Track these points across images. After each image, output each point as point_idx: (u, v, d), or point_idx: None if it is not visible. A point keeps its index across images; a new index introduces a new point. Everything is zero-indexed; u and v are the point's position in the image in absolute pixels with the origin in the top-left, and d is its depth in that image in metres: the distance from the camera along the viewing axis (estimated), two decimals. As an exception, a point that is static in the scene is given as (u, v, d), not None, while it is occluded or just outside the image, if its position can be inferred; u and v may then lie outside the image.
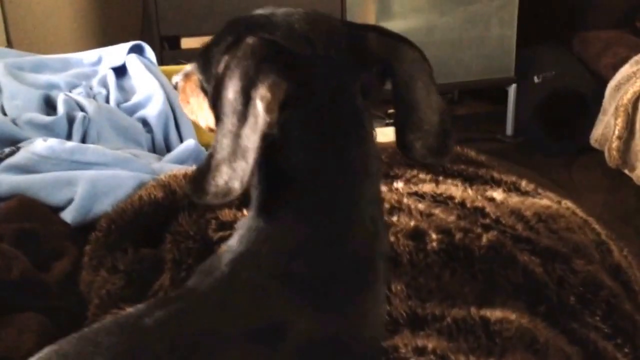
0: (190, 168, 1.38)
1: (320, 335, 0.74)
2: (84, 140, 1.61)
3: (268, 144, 0.73)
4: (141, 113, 1.76)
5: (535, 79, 3.45)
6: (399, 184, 1.32)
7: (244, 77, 0.71)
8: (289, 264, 0.75)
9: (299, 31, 0.78)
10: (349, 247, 0.78)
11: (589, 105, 3.25)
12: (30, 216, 1.35)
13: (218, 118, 0.73)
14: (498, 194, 1.31)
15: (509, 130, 3.67)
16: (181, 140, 1.74)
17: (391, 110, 1.68)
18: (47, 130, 1.60)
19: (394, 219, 1.17)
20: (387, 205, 1.21)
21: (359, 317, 0.78)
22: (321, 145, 0.77)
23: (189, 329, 0.72)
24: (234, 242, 0.79)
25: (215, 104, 0.73)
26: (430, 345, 0.94)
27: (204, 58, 0.84)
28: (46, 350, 0.73)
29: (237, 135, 0.71)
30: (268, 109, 0.71)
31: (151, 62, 1.93)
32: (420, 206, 1.21)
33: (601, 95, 3.09)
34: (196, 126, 1.80)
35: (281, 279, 0.75)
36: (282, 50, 0.75)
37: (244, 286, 0.75)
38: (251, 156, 0.70)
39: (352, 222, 0.78)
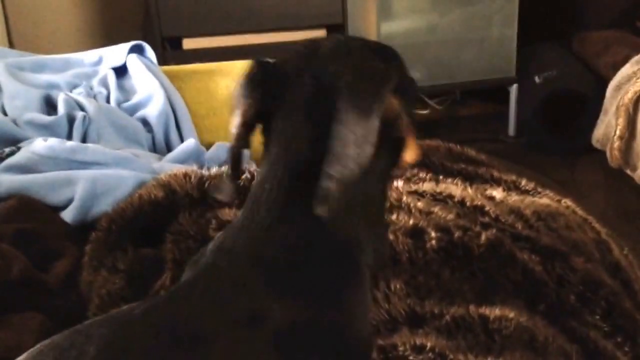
0: (191, 167, 1.37)
1: (299, 323, 0.76)
2: (84, 140, 1.60)
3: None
4: (142, 113, 1.76)
5: (537, 79, 3.44)
6: (399, 183, 1.32)
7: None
8: (262, 254, 0.79)
9: (308, 53, 0.84)
10: (324, 243, 0.81)
11: (590, 105, 3.24)
12: (30, 216, 1.35)
13: None
14: (498, 193, 1.31)
15: (511, 130, 3.66)
16: (182, 140, 1.74)
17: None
18: (48, 130, 1.59)
19: (394, 217, 1.18)
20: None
21: (341, 311, 0.79)
22: (288, 149, 0.81)
23: (174, 318, 0.75)
24: (219, 234, 0.84)
25: None
26: (429, 344, 0.94)
27: None
28: (38, 345, 0.75)
29: None
30: (236, 127, 0.84)
31: (152, 62, 1.93)
32: (420, 204, 1.22)
33: (602, 95, 3.08)
34: (197, 126, 1.80)
35: (257, 268, 0.78)
36: (268, 69, 0.85)
37: (223, 275, 0.78)
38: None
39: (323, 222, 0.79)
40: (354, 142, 0.75)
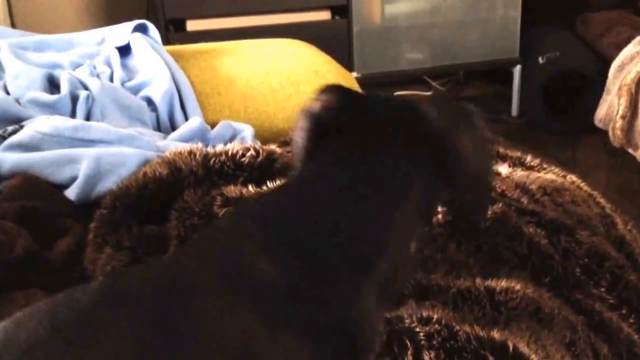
0: (196, 145, 1.36)
1: (288, 293, 0.75)
2: (88, 119, 1.59)
3: None
4: (146, 92, 1.74)
5: (540, 60, 3.44)
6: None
7: None
8: (267, 224, 0.79)
9: None
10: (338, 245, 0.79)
11: (593, 86, 3.24)
12: (34, 194, 1.34)
13: None
14: (503, 169, 1.31)
15: (514, 111, 3.66)
16: (186, 119, 1.72)
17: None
18: (51, 109, 1.58)
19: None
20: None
21: (334, 295, 0.77)
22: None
23: (173, 274, 0.75)
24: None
25: None
26: (435, 316, 0.94)
27: None
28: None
29: None
30: None
31: (155, 41, 1.91)
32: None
33: (605, 75, 3.08)
34: (201, 105, 1.79)
35: (259, 235, 0.78)
36: None
37: (227, 234, 0.79)
38: None
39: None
40: None
